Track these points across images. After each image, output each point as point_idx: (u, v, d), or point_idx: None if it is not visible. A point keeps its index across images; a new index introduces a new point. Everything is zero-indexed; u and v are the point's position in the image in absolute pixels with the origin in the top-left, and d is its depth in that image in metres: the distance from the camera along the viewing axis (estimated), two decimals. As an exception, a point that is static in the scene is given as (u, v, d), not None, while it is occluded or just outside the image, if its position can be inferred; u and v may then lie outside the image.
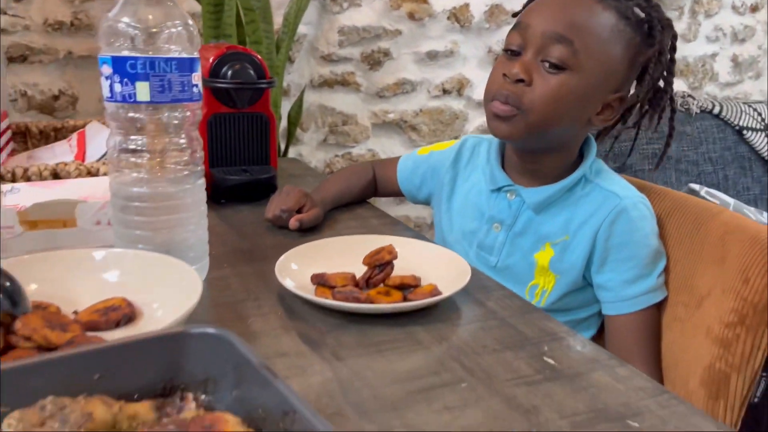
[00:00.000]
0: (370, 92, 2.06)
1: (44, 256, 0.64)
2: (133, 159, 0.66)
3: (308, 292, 0.66)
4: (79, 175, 0.91)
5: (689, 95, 2.02)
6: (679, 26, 2.43)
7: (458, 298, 0.70)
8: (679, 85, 2.46)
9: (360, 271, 0.72)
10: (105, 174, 0.93)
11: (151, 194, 0.67)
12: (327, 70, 2.00)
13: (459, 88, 2.16)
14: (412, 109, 2.12)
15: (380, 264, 0.69)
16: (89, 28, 1.66)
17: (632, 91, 0.89)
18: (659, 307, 0.83)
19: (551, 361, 0.58)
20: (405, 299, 0.67)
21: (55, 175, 0.91)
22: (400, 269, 0.72)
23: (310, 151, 2.04)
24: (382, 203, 1.98)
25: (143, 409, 0.40)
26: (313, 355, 0.58)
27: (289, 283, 0.66)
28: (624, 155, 1.85)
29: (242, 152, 1.07)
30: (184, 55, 0.65)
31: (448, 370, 0.56)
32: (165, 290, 0.61)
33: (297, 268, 0.71)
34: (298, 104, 1.87)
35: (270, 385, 0.39)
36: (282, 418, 0.37)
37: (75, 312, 0.60)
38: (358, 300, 0.64)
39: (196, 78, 0.67)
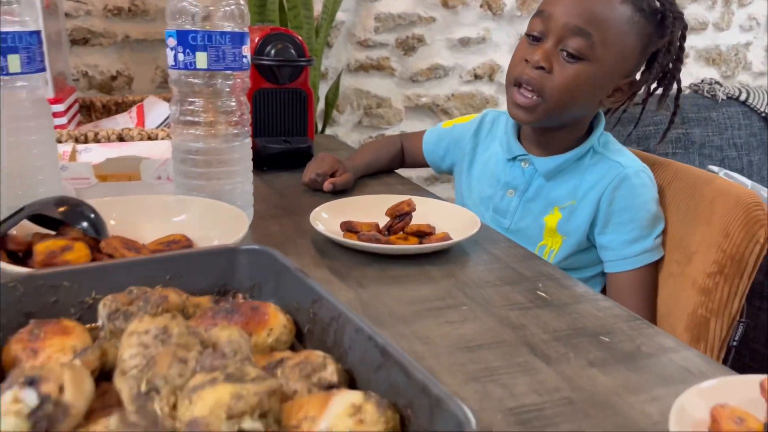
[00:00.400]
0: (404, 77, 2.15)
1: (119, 199, 0.76)
2: (191, 119, 0.78)
3: (338, 236, 0.77)
4: (141, 139, 1.04)
5: (716, 82, 2.06)
6: (713, 15, 2.45)
7: (468, 246, 0.80)
8: (710, 74, 2.49)
9: (384, 222, 0.82)
10: (163, 138, 1.06)
11: (205, 149, 0.78)
12: (363, 55, 2.10)
13: (490, 73, 2.24)
14: (444, 94, 2.21)
15: (400, 214, 0.80)
16: (145, 14, 1.79)
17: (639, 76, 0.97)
18: (656, 265, 0.91)
19: (543, 294, 0.68)
20: (421, 244, 0.77)
21: (121, 139, 1.03)
22: (418, 221, 0.82)
23: (345, 132, 2.14)
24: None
25: (204, 300, 0.51)
26: (340, 283, 0.69)
27: (320, 228, 0.77)
28: (648, 138, 1.91)
29: (283, 124, 1.19)
30: (236, 30, 0.76)
31: (453, 297, 0.66)
32: (217, 228, 0.73)
33: (327, 217, 0.82)
34: (335, 87, 1.98)
35: (303, 282, 0.49)
36: (311, 305, 0.48)
37: (143, 245, 0.71)
38: (379, 242, 0.74)
39: (246, 50, 0.78)
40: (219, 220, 0.74)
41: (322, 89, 2.02)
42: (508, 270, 0.74)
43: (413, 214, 0.81)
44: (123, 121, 1.24)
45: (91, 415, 0.36)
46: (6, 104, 0.70)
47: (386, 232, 0.80)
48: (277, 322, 0.46)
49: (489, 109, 1.12)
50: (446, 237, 0.77)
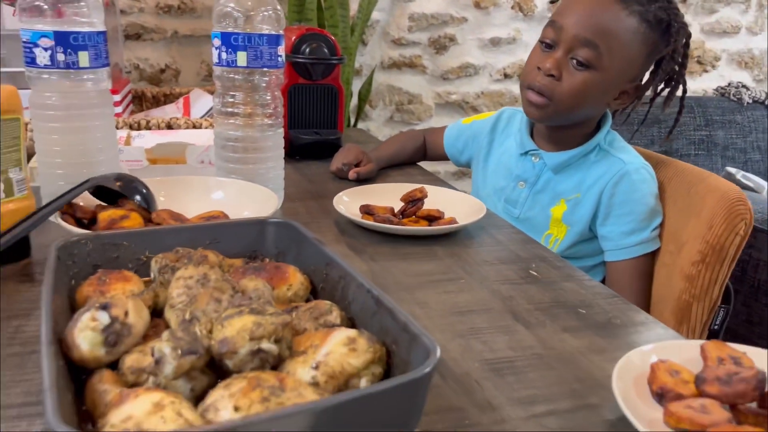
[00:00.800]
0: (435, 74, 2.24)
1: (167, 179, 0.87)
2: (231, 110, 0.88)
3: (357, 218, 0.87)
4: (187, 128, 1.15)
5: (743, 85, 2.09)
6: (746, 19, 2.46)
7: (474, 230, 0.89)
8: (742, 77, 2.50)
9: (399, 208, 0.91)
10: (206, 127, 1.17)
11: (243, 137, 0.89)
12: (396, 53, 2.19)
13: (519, 73, 2.31)
14: (474, 91, 2.29)
15: (413, 200, 0.89)
16: (193, 11, 1.92)
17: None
18: (652, 256, 0.99)
19: (534, 273, 0.76)
20: (429, 227, 0.86)
21: (169, 127, 1.15)
22: (430, 207, 0.91)
23: (377, 126, 2.24)
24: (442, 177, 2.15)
25: (237, 261, 0.61)
26: (356, 257, 0.78)
27: (342, 209, 0.87)
28: (670, 140, 1.95)
29: (315, 117, 1.29)
30: (273, 33, 0.86)
31: (453, 272, 0.75)
32: (251, 207, 0.83)
33: (348, 200, 0.92)
34: (368, 83, 2.08)
35: (318, 248, 0.59)
36: (324, 267, 0.57)
37: (187, 218, 0.82)
38: (392, 223, 0.84)
39: (281, 50, 0.88)
40: (253, 200, 0.84)
41: (356, 85, 2.12)
42: (507, 252, 0.83)
43: (425, 200, 0.90)
44: (171, 110, 1.36)
45: (146, 338, 0.46)
46: (75, 94, 0.81)
47: (400, 216, 0.90)
48: (295, 279, 0.56)
49: (506, 107, 1.20)
50: (453, 221, 0.86)
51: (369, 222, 0.84)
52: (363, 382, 0.44)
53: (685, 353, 0.54)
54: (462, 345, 0.58)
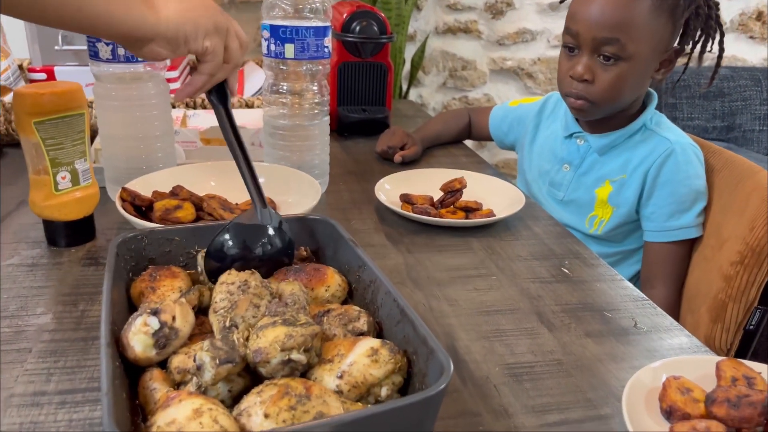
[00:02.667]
0: (490, 40, 2.20)
1: (218, 164, 0.92)
2: (280, 99, 0.92)
3: (396, 206, 0.90)
4: (239, 107, 1.20)
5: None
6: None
7: (511, 221, 0.91)
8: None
9: (439, 195, 0.94)
10: (258, 107, 1.21)
11: (290, 125, 0.92)
12: (451, 18, 2.16)
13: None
14: (530, 58, 2.24)
15: (452, 190, 0.91)
16: (249, -22, 1.94)
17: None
18: (692, 244, 0.98)
19: (566, 271, 0.78)
20: (467, 218, 0.88)
21: (223, 106, 1.19)
22: (470, 196, 0.93)
23: (429, 93, 2.24)
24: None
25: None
26: (392, 248, 0.82)
27: (382, 198, 0.90)
28: (734, 114, 1.88)
29: (363, 95, 1.31)
30: (319, 24, 0.88)
31: (486, 267, 0.78)
32: (297, 194, 0.87)
33: (390, 188, 0.95)
34: (422, 49, 2.07)
35: (353, 250, 0.63)
36: (357, 269, 0.61)
37: (237, 204, 0.87)
38: (429, 214, 0.86)
39: (327, 41, 0.90)
40: (298, 186, 0.88)
41: (409, 51, 2.11)
42: (541, 246, 0.84)
43: (464, 190, 0.92)
44: (226, 85, 1.40)
45: (193, 337, 0.51)
46: (135, 86, 0.86)
47: (438, 205, 0.92)
48: (333, 281, 0.60)
49: (554, 92, 1.19)
50: (490, 213, 0.88)
51: (407, 213, 0.87)
52: (384, 391, 0.48)
53: (701, 369, 0.56)
54: (485, 347, 0.62)
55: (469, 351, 0.61)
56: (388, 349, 0.49)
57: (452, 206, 0.91)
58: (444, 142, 1.27)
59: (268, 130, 0.94)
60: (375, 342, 0.49)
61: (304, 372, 0.48)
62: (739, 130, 1.86)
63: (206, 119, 1.12)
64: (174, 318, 0.49)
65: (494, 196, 0.95)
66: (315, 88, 0.92)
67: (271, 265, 0.62)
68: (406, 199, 0.91)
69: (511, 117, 1.23)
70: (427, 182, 0.97)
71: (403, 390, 0.50)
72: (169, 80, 1.27)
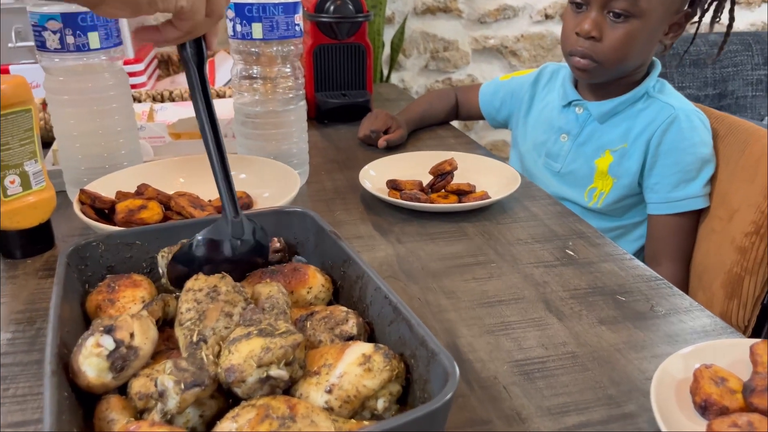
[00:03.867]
0: (471, 18, 2.13)
1: (187, 158, 0.85)
2: (251, 85, 0.84)
3: (383, 194, 0.83)
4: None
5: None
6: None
7: (507, 203, 0.84)
8: (807, 5, 2.30)
9: (428, 179, 0.87)
10: (230, 96, 1.14)
11: (263, 112, 0.85)
12: (430, -3, 2.09)
13: (562, 13, 2.18)
14: (513, 35, 2.18)
15: (442, 173, 0.85)
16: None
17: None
18: (698, 216, 0.93)
19: (571, 253, 0.72)
20: (460, 202, 0.82)
21: (193, 97, 1.12)
22: (461, 179, 0.86)
23: (411, 76, 2.17)
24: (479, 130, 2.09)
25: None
26: (381, 238, 0.75)
27: (367, 185, 0.83)
28: (726, 81, 1.83)
29: (342, 79, 1.24)
30: (289, 0, 0.81)
31: (483, 254, 0.71)
32: (274, 186, 0.81)
33: (375, 174, 0.88)
34: (401, 31, 2.00)
35: (335, 242, 0.56)
36: (342, 264, 0.55)
37: (210, 200, 0.80)
38: (419, 200, 0.80)
39: (298, 18, 0.83)
40: (275, 179, 0.81)
41: (388, 34, 2.04)
42: (542, 228, 0.78)
43: (456, 172, 0.86)
44: (196, 77, 1.32)
45: (156, 355, 0.45)
46: (89, 77, 0.79)
47: (429, 190, 0.86)
48: (315, 281, 0.54)
49: (549, 63, 1.13)
50: (485, 196, 0.82)
51: (395, 200, 0.81)
52: (380, 404, 0.42)
53: (733, 354, 0.50)
54: (490, 343, 0.55)
55: (472, 348, 0.55)
56: (382, 354, 0.42)
57: (443, 190, 0.85)
58: (430, 123, 1.20)
59: (239, 119, 0.87)
60: (367, 347, 0.43)
61: (287, 388, 0.41)
62: (731, 96, 1.80)
63: (175, 112, 1.05)
64: (132, 335, 0.42)
65: (487, 176, 0.89)
66: (288, 70, 0.85)
67: (243, 267, 0.55)
68: (393, 185, 0.85)
69: (503, 91, 1.17)
70: (414, 166, 0.91)
71: (402, 399, 0.43)
72: (132, 74, 1.19)
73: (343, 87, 1.24)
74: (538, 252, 0.72)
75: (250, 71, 0.84)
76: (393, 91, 1.54)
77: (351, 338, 0.47)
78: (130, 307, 0.49)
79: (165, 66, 1.49)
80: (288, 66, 0.85)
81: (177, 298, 0.49)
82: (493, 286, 0.65)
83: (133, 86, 1.19)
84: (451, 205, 0.80)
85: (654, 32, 0.92)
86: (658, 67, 0.99)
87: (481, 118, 1.22)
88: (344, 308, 0.49)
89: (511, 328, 0.58)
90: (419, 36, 2.12)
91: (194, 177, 0.82)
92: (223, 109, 1.06)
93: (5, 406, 0.48)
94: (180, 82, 1.33)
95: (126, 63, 1.19)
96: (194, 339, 0.43)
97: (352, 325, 0.47)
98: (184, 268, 0.52)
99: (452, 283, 0.65)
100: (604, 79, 0.96)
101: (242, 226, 0.55)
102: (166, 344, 0.47)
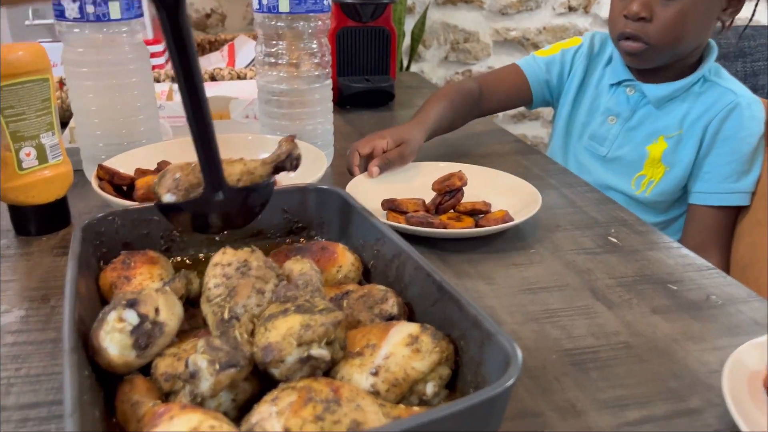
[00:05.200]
0: (493, 9, 2.09)
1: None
2: (275, 61, 0.81)
3: (379, 216, 0.63)
4: (231, 79, 1.09)
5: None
6: None
7: (541, 188, 0.80)
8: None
9: (428, 196, 0.72)
10: (251, 78, 1.10)
11: (288, 90, 0.82)
12: (451, -13, 2.05)
13: (585, 5, 2.13)
14: (535, 27, 2.13)
15: (450, 190, 0.71)
16: (235, -50, 1.82)
17: None
18: (738, 210, 0.88)
19: (614, 240, 0.68)
20: (477, 225, 0.67)
21: (212, 78, 1.09)
22: (470, 196, 0.72)
23: (431, 67, 2.12)
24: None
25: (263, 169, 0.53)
26: (412, 222, 0.71)
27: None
28: (756, 75, 1.77)
29: (365, 63, 1.20)
30: (317, -28, 0.77)
31: (521, 240, 0.67)
32: (301, 166, 0.77)
33: (365, 190, 0.72)
34: (422, 21, 1.96)
35: (367, 221, 0.52)
36: (375, 243, 0.51)
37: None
38: (431, 225, 0.65)
39: (327, -8, 0.79)
40: (304, 157, 0.77)
41: (408, 24, 2.00)
42: (581, 214, 0.74)
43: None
44: (215, 59, 1.29)
45: (182, 334, 0.41)
46: (109, 49, 0.75)
47: (434, 210, 0.71)
48: (345, 260, 0.50)
49: (595, 31, 1.05)
50: (506, 217, 0.66)
51: (402, 225, 0.65)
52: (429, 388, 0.38)
53: (806, 346, 0.46)
54: (536, 331, 0.52)
55: (517, 336, 0.51)
56: (430, 334, 0.39)
57: (453, 210, 0.71)
58: (451, 128, 0.94)
59: (263, 97, 0.84)
60: (413, 327, 0.39)
61: (327, 370, 0.37)
62: (762, 91, 1.75)
63: (194, 93, 1.02)
64: (157, 310, 0.39)
65: (499, 192, 0.74)
66: (315, 46, 0.81)
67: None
68: (391, 206, 0.70)
69: (557, 66, 1.03)
70: (410, 179, 0.78)
71: (450, 384, 0.40)
72: (153, 54, 1.16)
73: (366, 72, 1.20)
74: (579, 239, 0.68)
75: (275, 48, 0.81)
76: (415, 80, 1.50)
77: (392, 318, 0.43)
78: (147, 285, 0.46)
79: (182, 50, 1.46)
80: (314, 42, 0.81)
81: (201, 274, 0.46)
82: (535, 273, 0.61)
83: (154, 67, 1.15)
84: (473, 230, 0.65)
85: (710, 8, 0.86)
86: (715, 49, 0.93)
87: (515, 106, 1.07)
88: (382, 287, 0.46)
89: (557, 316, 0.54)
90: (440, 27, 2.08)
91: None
92: (242, 90, 1.02)
93: (17, 386, 0.44)
94: (201, 64, 1.30)
95: (147, 44, 1.15)
96: (225, 316, 0.39)
97: (392, 304, 0.44)
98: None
99: (490, 268, 0.61)
100: (658, 63, 0.90)
101: (226, 201, 0.45)
102: (189, 323, 0.43)
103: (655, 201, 0.94)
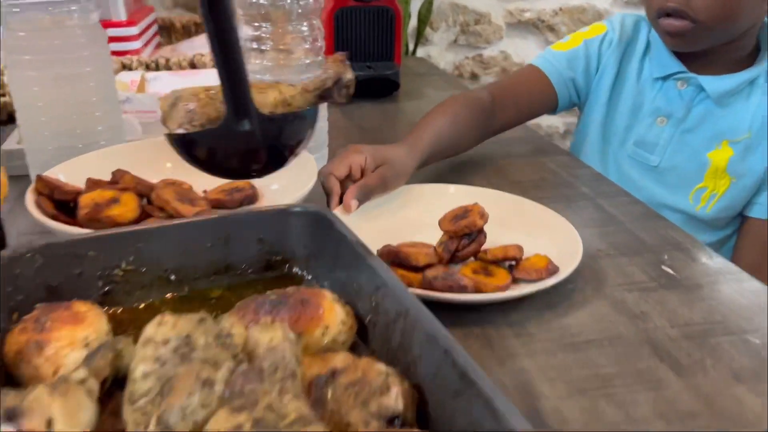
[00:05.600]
0: (506, -12, 1.95)
1: (178, 137, 0.68)
2: (259, 47, 0.68)
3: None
4: (213, 66, 0.96)
5: None
6: None
7: (573, 197, 0.68)
8: None
9: (427, 227, 0.57)
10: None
11: (274, 83, 0.68)
12: (461, -36, 1.91)
13: (605, -17, 1.98)
14: (551, 8, 1.99)
15: (470, 233, 0.54)
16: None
17: None
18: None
19: (669, 271, 0.55)
20: (513, 280, 0.51)
21: (193, 66, 0.96)
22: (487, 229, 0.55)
23: (439, 51, 1.99)
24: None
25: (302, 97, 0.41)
26: (421, 245, 0.59)
27: None
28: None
29: (367, 48, 1.07)
30: (307, -60, 0.64)
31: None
32: (284, 176, 0.64)
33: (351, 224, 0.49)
34: (429, 1, 1.82)
35: (364, 261, 0.40)
36: (374, 292, 0.39)
37: (205, 191, 0.64)
38: (464, 289, 0.48)
39: (319, -36, 0.66)
40: (286, 167, 0.65)
41: (415, 4, 1.86)
42: (625, 234, 0.61)
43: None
44: (200, 43, 1.16)
45: (96, 443, 0.29)
46: (56, 33, 0.63)
47: (445, 257, 0.53)
48: (333, 317, 0.38)
49: (625, 13, 0.89)
50: (550, 267, 0.51)
51: (423, 293, 0.47)
52: None
53: None
54: (586, 410, 0.39)
55: (562, 418, 0.38)
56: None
57: (476, 257, 0.54)
58: (458, 149, 0.76)
59: (244, 90, 0.71)
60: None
61: None
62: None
63: (171, 82, 0.89)
64: (50, 423, 0.26)
65: (527, 226, 0.59)
66: (305, 29, 0.68)
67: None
68: (397, 259, 0.52)
69: (582, 61, 0.86)
70: (406, 206, 0.63)
71: None
72: (124, 39, 1.03)
73: (367, 57, 1.07)
74: (627, 268, 0.55)
75: (258, 32, 0.68)
76: (422, 65, 1.36)
77: (395, 417, 0.31)
78: (65, 355, 0.33)
79: (166, 33, 1.33)
80: (305, 25, 0.68)
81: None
82: (576, 319, 0.48)
83: (125, 53, 1.02)
84: (513, 293, 0.49)
85: None
86: None
87: (537, 114, 0.87)
88: (381, 367, 0.33)
89: (612, 385, 0.41)
90: (448, 7, 1.94)
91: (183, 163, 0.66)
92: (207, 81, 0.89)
93: None
94: (182, 50, 1.17)
95: (117, 26, 1.03)
96: (152, 428, 0.27)
97: (395, 396, 0.31)
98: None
99: (520, 314, 0.49)
100: (706, 45, 0.77)
101: (257, 134, 0.37)
102: (112, 421, 0.31)
103: (716, 218, 0.80)
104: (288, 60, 0.69)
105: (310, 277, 0.46)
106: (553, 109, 0.88)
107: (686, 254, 0.58)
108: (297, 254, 0.47)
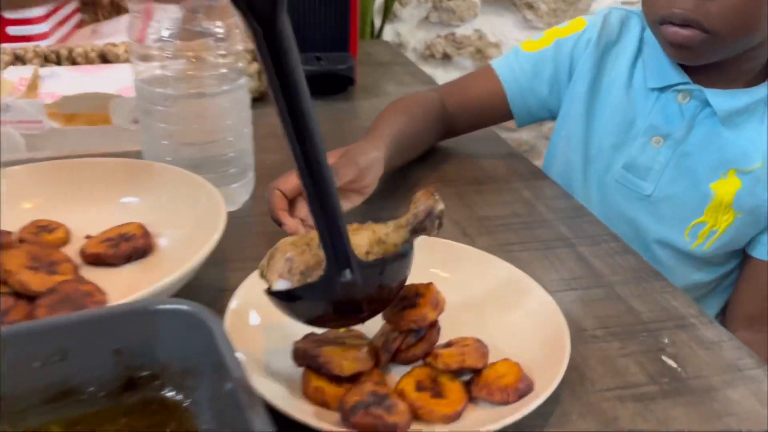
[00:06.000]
0: (482, -39, 1.79)
1: (49, 165, 0.54)
2: (153, 52, 0.53)
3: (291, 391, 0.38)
4: (127, 60, 0.80)
5: None
6: None
7: (552, 244, 0.55)
8: None
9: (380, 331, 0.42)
10: (125, 61, 0.81)
11: (177, 96, 0.54)
12: (433, -67, 1.75)
13: (590, -43, 1.84)
14: (530, -16, 1.84)
15: (417, 328, 0.40)
16: None
17: None
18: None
19: (672, 364, 0.43)
20: (470, 392, 0.39)
21: (103, 58, 0.80)
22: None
23: (409, 29, 1.84)
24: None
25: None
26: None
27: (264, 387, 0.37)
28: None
29: (315, 37, 0.92)
30: None
31: (527, 364, 0.42)
32: (189, 216, 0.51)
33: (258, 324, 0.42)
34: (398, -25, 1.66)
35: (241, 410, 0.27)
36: None
37: (87, 237, 0.51)
38: (395, 429, 0.34)
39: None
40: (191, 206, 0.51)
41: (382, -22, 1.71)
42: (615, 303, 0.49)
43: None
44: (114, 28, 1.00)
45: None
46: None
47: (387, 358, 0.40)
48: None
49: (612, 7, 0.75)
50: (524, 380, 0.38)
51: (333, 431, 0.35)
52: None
53: None
54: None
55: None
56: None
57: (423, 360, 0.40)
58: (417, 148, 0.70)
59: (142, 105, 0.56)
60: None
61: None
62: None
63: (73, 81, 0.73)
64: None
65: (495, 297, 0.47)
66: (219, 30, 0.54)
67: None
68: (312, 363, 0.39)
69: (550, 66, 0.74)
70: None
71: None
72: (23, 22, 0.86)
73: (316, 48, 0.92)
74: (618, 361, 0.43)
75: (157, 28, 0.53)
76: (385, 52, 1.21)
77: None
78: None
79: (92, 10, 1.15)
80: (217, 23, 0.54)
81: None
82: (554, 451, 0.36)
83: (25, 38, 0.86)
84: (463, 429, 0.37)
85: None
86: None
87: (493, 123, 0.78)
88: None
89: None
90: (419, -19, 1.78)
91: (64, 194, 0.52)
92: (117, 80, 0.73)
93: None
94: (103, 32, 1.00)
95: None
96: None
97: None
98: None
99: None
100: (716, 57, 0.63)
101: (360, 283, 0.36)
102: None
103: (714, 255, 0.68)
104: (197, 67, 0.55)
105: (187, 403, 0.33)
106: (509, 119, 0.76)
107: (692, 335, 0.46)
108: (168, 368, 0.34)
